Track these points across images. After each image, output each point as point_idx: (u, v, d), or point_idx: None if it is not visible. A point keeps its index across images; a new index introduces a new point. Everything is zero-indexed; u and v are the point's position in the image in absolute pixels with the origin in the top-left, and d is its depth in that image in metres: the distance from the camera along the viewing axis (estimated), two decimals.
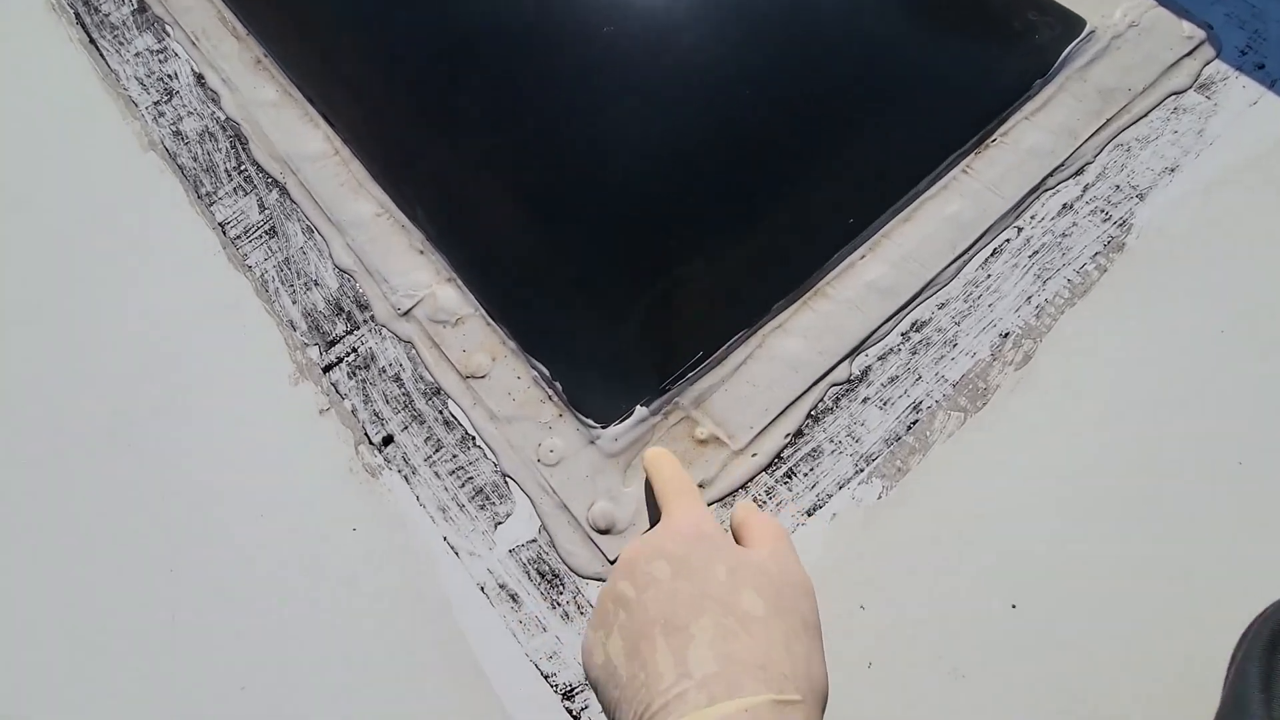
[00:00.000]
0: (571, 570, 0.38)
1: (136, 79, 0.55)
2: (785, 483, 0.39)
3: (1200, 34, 0.48)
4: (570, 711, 0.36)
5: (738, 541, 0.33)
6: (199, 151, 0.52)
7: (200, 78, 0.55)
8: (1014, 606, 0.36)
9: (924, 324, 0.42)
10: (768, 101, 0.45)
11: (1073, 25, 0.48)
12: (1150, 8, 0.49)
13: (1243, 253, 0.42)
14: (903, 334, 0.42)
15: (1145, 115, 0.46)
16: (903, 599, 0.37)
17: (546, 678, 0.37)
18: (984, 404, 0.40)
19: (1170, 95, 0.47)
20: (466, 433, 0.42)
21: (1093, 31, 0.48)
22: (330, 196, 0.49)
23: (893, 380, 0.41)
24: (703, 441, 0.40)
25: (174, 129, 0.53)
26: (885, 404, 0.41)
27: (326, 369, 0.44)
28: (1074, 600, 0.36)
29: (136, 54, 0.56)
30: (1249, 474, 0.37)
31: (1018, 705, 0.34)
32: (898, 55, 0.47)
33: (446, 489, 0.41)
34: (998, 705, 0.35)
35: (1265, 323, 0.40)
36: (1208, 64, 0.48)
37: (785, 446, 0.40)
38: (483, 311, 0.44)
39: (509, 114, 0.46)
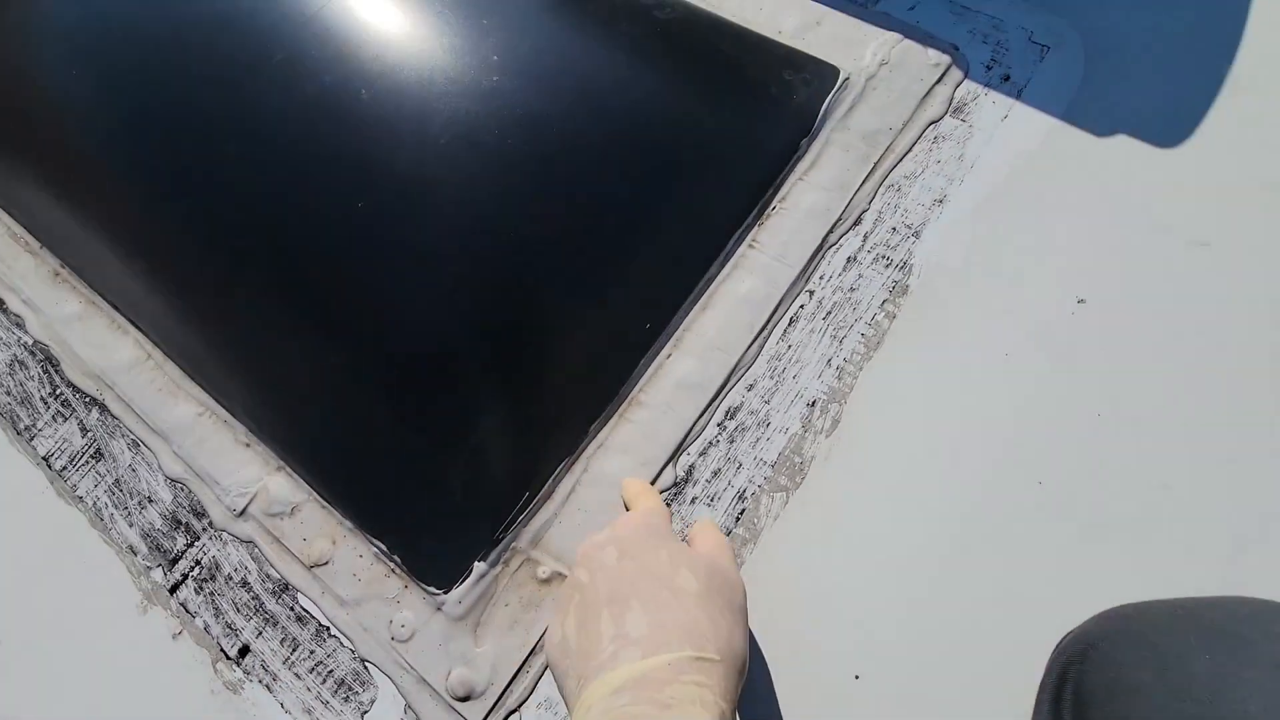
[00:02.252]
0: None
1: None
2: None
3: (946, 58, 0.50)
4: None
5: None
6: (11, 384, 0.51)
7: (1, 303, 0.54)
8: (857, 678, 0.37)
9: (737, 410, 0.44)
10: (546, 232, 0.46)
11: (828, 75, 0.50)
12: (897, 42, 0.51)
13: (1012, 272, 0.44)
14: (719, 425, 0.43)
15: (909, 151, 0.48)
16: (754, 690, 0.38)
17: None
18: (802, 478, 0.42)
19: (928, 125, 0.49)
20: (320, 624, 0.42)
21: (847, 78, 0.50)
22: (150, 404, 0.49)
23: (716, 474, 0.42)
24: (545, 580, 0.41)
25: None
26: (713, 499, 0.42)
27: (173, 589, 0.44)
28: (920, 664, 0.37)
29: None
30: (1047, 496, 0.39)
31: None
32: (667, 145, 0.49)
33: (309, 688, 0.41)
34: None
35: (1044, 341, 0.42)
36: (958, 86, 0.50)
37: None
38: (316, 496, 0.44)
39: (315, 302, 0.46)
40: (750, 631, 0.34)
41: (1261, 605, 0.27)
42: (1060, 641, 0.32)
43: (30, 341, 0.52)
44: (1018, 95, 0.49)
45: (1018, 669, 0.35)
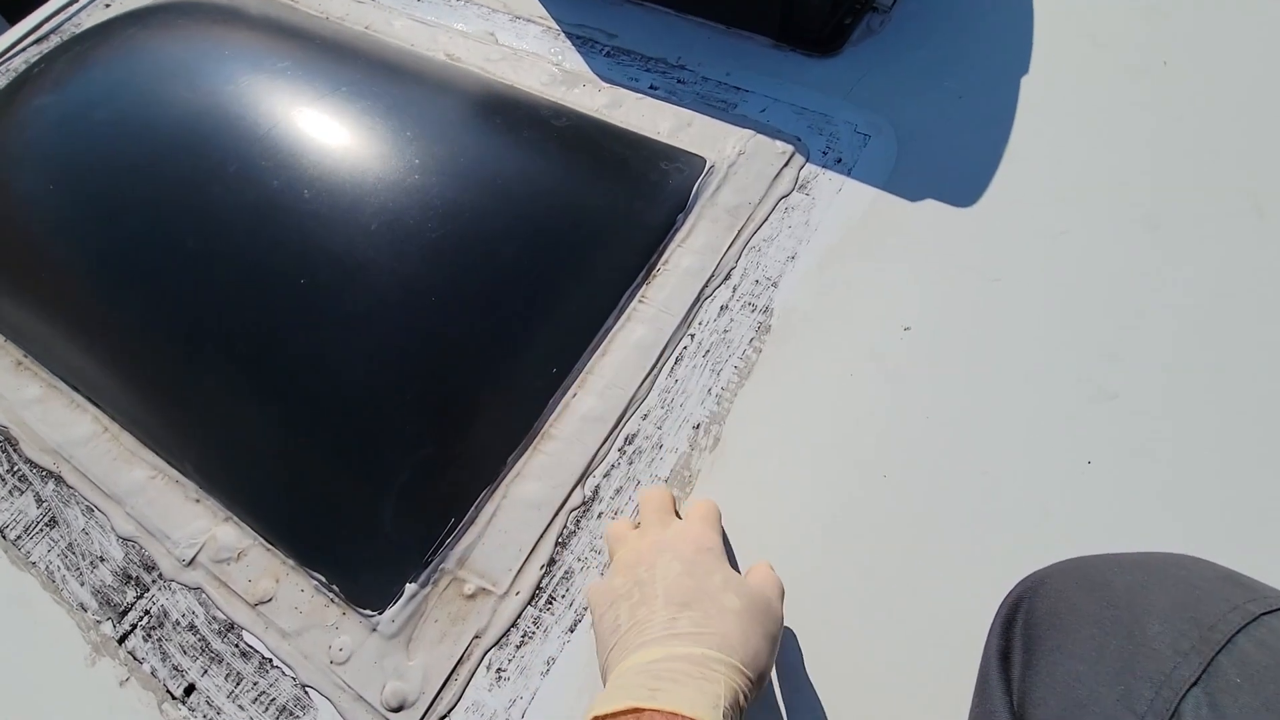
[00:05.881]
0: None
1: None
2: (548, 609, 0.46)
3: (791, 147, 0.63)
4: None
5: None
6: None
7: None
8: None
9: (635, 436, 0.51)
10: (468, 297, 0.54)
11: (697, 164, 0.62)
12: (751, 137, 0.64)
13: (852, 309, 0.54)
14: (620, 449, 0.51)
15: (765, 220, 0.59)
16: None
17: None
18: (692, 489, 0.49)
19: (780, 199, 0.60)
20: (263, 657, 0.46)
21: (712, 165, 0.62)
22: (105, 472, 0.53)
23: (619, 491, 0.49)
24: (471, 596, 0.46)
25: None
26: (616, 514, 0.48)
27: (122, 639, 0.47)
28: (811, 642, 0.43)
29: None
30: (891, 486, 0.47)
31: None
32: (569, 223, 0.58)
33: (252, 718, 0.44)
34: None
35: (880, 361, 0.52)
36: (801, 168, 0.62)
37: (543, 577, 0.47)
38: (260, 540, 0.49)
39: (259, 366, 0.52)
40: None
41: (1177, 555, 0.33)
42: (1016, 585, 0.36)
43: None
44: (848, 173, 0.61)
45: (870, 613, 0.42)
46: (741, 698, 0.33)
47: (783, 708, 0.42)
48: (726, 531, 0.47)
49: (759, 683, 0.35)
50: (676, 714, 0.30)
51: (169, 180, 0.55)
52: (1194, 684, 0.27)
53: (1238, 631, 0.28)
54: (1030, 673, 0.32)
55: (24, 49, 0.85)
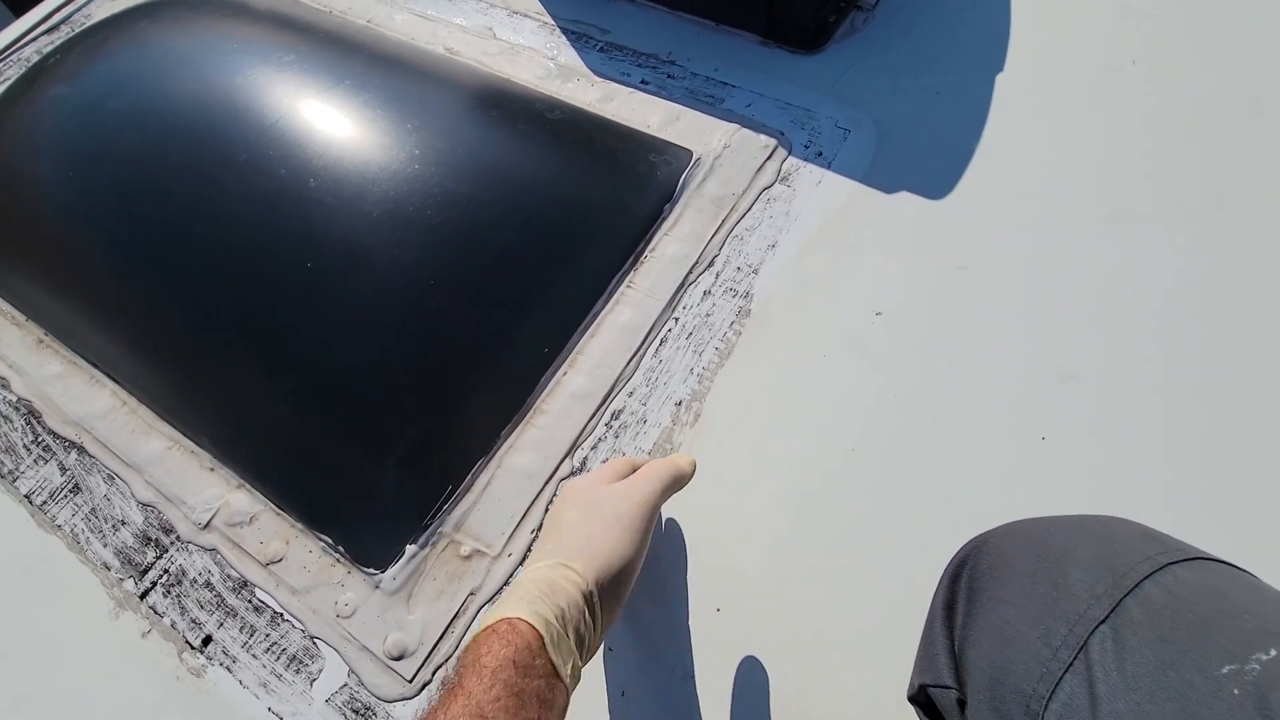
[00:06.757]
0: (379, 699, 0.46)
1: None
2: None
3: (774, 141, 0.66)
4: None
5: None
6: None
7: None
8: (718, 610, 0.47)
9: (621, 412, 0.55)
10: (464, 281, 0.57)
11: (684, 156, 0.65)
12: (737, 130, 0.67)
13: (827, 295, 0.58)
14: (606, 424, 0.54)
15: (749, 210, 0.63)
16: (649, 631, 0.47)
17: None
18: None
19: (763, 190, 0.63)
20: (275, 611, 0.49)
21: (699, 158, 0.65)
22: (125, 443, 0.57)
23: (605, 462, 0.53)
24: (467, 557, 0.50)
25: None
26: None
27: (143, 595, 0.51)
28: (777, 596, 0.47)
29: None
30: (859, 459, 0.51)
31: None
32: (559, 211, 0.61)
33: (265, 666, 0.48)
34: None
35: (852, 344, 0.55)
36: (784, 161, 0.65)
37: (533, 540, 0.50)
38: (271, 505, 0.52)
39: (271, 344, 0.56)
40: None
41: (1107, 517, 0.36)
42: (963, 545, 0.39)
43: (14, 399, 0.60)
44: (828, 166, 0.64)
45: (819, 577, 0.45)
46: (568, 583, 0.36)
47: (741, 648, 0.45)
48: (704, 501, 0.51)
49: (605, 562, 0.38)
50: (484, 627, 0.34)
51: (182, 168, 0.58)
52: (1103, 621, 0.30)
53: (1145, 578, 0.31)
54: (970, 620, 0.35)
55: (35, 38, 0.87)
